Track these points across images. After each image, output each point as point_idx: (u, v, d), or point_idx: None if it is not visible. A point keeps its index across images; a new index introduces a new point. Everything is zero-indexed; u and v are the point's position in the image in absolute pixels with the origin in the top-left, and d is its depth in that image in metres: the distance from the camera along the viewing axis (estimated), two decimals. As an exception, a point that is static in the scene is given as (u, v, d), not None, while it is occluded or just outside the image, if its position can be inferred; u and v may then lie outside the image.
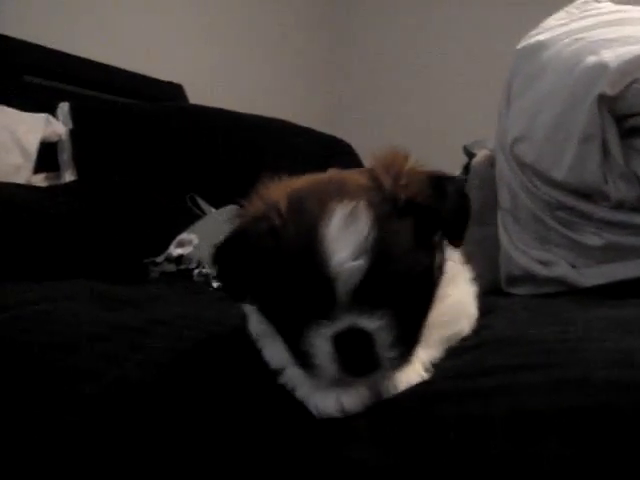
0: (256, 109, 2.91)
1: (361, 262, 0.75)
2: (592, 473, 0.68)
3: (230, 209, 2.38)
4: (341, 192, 0.80)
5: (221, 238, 0.88)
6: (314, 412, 0.81)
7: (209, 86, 3.16)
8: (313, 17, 4.03)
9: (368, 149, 2.66)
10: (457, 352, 0.92)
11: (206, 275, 2.01)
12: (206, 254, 2.10)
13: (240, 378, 0.92)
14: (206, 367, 0.97)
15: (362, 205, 0.78)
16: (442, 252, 0.87)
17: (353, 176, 0.86)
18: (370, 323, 0.76)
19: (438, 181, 0.84)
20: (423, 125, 3.46)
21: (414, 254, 0.79)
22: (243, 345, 0.97)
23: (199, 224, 2.24)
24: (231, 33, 3.54)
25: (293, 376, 0.86)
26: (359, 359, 0.77)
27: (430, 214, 0.81)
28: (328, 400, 0.81)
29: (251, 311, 0.97)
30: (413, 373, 0.84)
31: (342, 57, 4.00)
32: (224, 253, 0.86)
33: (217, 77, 3.33)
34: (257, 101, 3.21)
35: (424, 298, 0.84)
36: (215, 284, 1.93)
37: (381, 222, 0.77)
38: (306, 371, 0.80)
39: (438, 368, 0.86)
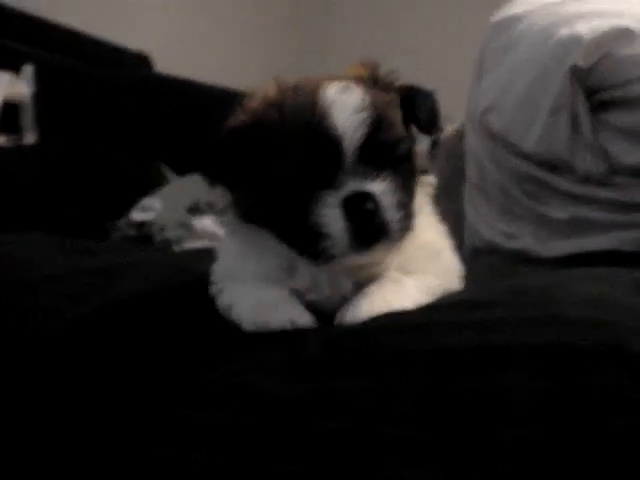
0: (224, 80, 2.87)
1: (360, 122, 0.80)
2: (561, 408, 0.68)
3: (194, 178, 2.36)
4: (329, 78, 0.86)
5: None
6: (252, 325, 0.84)
7: (177, 56, 3.12)
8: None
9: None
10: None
11: (167, 240, 1.99)
12: (169, 219, 2.08)
13: (196, 319, 0.91)
14: (165, 308, 0.96)
15: (352, 82, 0.84)
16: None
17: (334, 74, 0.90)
18: (375, 186, 0.80)
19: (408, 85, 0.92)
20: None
21: (401, 126, 0.87)
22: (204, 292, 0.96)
23: (163, 190, 2.22)
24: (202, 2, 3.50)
25: (238, 291, 0.88)
26: (368, 223, 0.80)
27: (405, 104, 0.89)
28: (279, 312, 0.83)
29: (225, 248, 0.96)
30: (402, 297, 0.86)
31: (316, 31, 3.98)
32: (219, 145, 0.88)
33: (185, 47, 3.29)
34: (225, 72, 3.17)
35: (412, 174, 0.88)
36: (177, 249, 1.91)
37: (372, 92, 0.84)
38: (311, 254, 0.82)
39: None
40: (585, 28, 1.44)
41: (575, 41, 1.43)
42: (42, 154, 2.29)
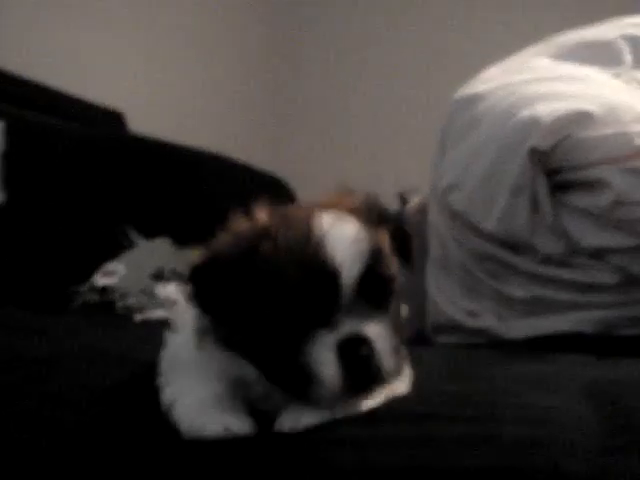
0: (197, 139, 2.87)
1: (360, 250, 0.76)
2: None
3: (160, 241, 2.33)
4: (321, 207, 0.81)
5: (194, 261, 0.84)
6: (188, 431, 0.79)
7: (151, 114, 3.12)
8: (259, 50, 4.01)
9: (304, 187, 2.66)
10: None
11: (129, 307, 1.96)
12: (132, 285, 2.05)
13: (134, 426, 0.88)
14: (102, 411, 0.93)
15: (345, 213, 0.80)
16: None
17: (321, 202, 0.87)
18: (372, 328, 0.75)
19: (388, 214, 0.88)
20: (359, 170, 3.47)
21: (395, 260, 0.82)
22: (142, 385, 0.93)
23: (127, 254, 2.19)
24: (175, 62, 3.50)
25: (181, 387, 0.84)
26: (363, 370, 0.74)
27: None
28: (215, 417, 0.79)
29: (178, 339, 0.91)
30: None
31: (286, 95, 3.99)
32: (205, 273, 0.82)
33: (159, 106, 3.28)
34: (198, 131, 3.17)
35: (399, 309, 0.84)
36: (138, 317, 1.88)
37: (366, 224, 0.80)
38: (299, 395, 0.77)
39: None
40: (545, 110, 1.44)
41: (534, 123, 1.43)
42: (7, 215, 2.26)
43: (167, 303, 1.94)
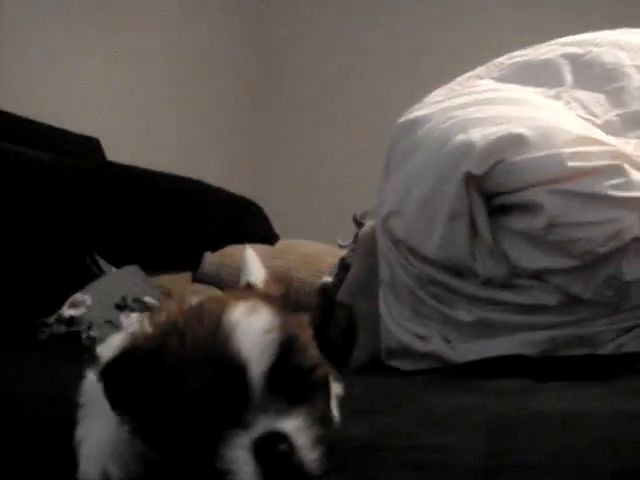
0: (173, 166, 2.89)
1: (268, 349, 0.72)
2: None
3: (129, 269, 2.35)
4: (237, 297, 0.79)
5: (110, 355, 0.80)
6: (80, 473, 0.79)
7: (126, 140, 3.14)
8: (237, 77, 4.04)
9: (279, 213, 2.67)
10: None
11: (93, 339, 1.97)
12: (97, 316, 2.06)
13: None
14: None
15: (260, 302, 0.77)
16: None
17: (247, 292, 0.87)
18: (289, 422, 0.71)
19: (328, 302, 0.85)
20: (324, 194, 3.53)
21: (315, 349, 0.78)
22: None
23: (94, 284, 2.21)
24: (153, 89, 3.54)
25: (87, 430, 0.83)
26: (282, 467, 0.70)
27: (318, 331, 0.80)
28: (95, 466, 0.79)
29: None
30: None
31: (257, 123, 4.03)
32: (114, 372, 0.79)
33: (135, 132, 3.31)
34: (174, 158, 3.20)
35: (327, 396, 0.81)
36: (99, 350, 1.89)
37: (282, 313, 0.77)
38: None
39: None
40: (478, 135, 1.45)
41: (468, 148, 1.44)
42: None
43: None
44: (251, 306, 0.76)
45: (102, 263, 2.38)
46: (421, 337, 1.60)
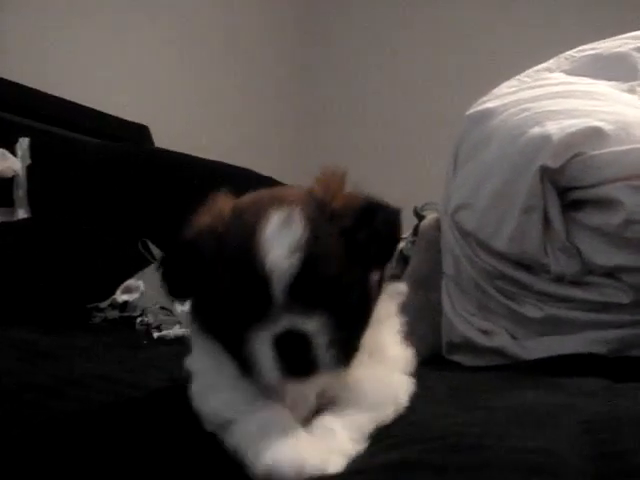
0: (222, 156, 2.88)
1: (293, 260, 0.77)
2: None
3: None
4: (279, 201, 0.83)
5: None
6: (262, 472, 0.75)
7: (176, 129, 3.14)
8: (283, 63, 4.03)
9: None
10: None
11: (148, 324, 1.97)
12: (151, 302, 2.06)
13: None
14: (104, 435, 0.93)
15: (296, 211, 0.81)
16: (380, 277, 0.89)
17: (292, 190, 0.91)
18: (307, 324, 0.78)
19: (368, 206, 0.88)
20: (373, 182, 3.47)
21: (345, 260, 0.82)
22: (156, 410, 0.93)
23: (147, 270, 2.20)
24: (203, 77, 3.53)
25: (245, 434, 0.81)
26: (298, 361, 0.78)
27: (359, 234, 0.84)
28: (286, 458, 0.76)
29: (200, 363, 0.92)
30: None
31: (310, 109, 4.00)
32: (170, 261, 0.89)
33: (184, 120, 3.30)
34: (222, 145, 3.18)
35: (359, 308, 0.85)
36: (156, 334, 1.89)
37: (314, 226, 0.81)
38: (249, 377, 0.81)
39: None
40: (555, 128, 1.42)
41: (545, 141, 1.42)
42: (30, 230, 2.28)
43: (184, 320, 1.95)
44: (287, 215, 0.81)
45: (154, 249, 2.37)
46: (485, 332, 1.58)
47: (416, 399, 1.02)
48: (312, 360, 0.78)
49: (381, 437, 0.87)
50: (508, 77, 1.72)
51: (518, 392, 1.14)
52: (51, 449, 0.89)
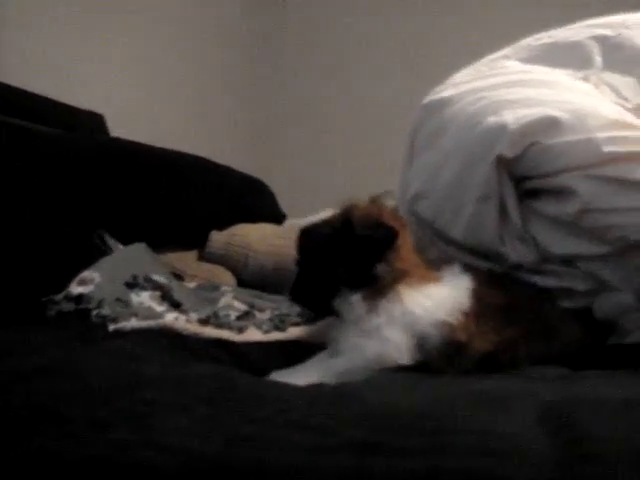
0: (178, 142, 2.85)
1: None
2: None
3: (138, 247, 2.31)
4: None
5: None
6: None
7: (131, 117, 3.09)
8: (241, 55, 3.99)
9: (284, 190, 2.63)
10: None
11: (104, 317, 1.94)
12: (107, 293, 2.02)
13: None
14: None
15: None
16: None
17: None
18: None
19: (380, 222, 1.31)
20: (341, 175, 3.48)
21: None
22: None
23: (103, 262, 2.16)
24: (157, 65, 3.48)
25: None
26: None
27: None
28: None
29: None
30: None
31: (263, 101, 3.97)
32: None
33: (140, 109, 3.26)
34: (179, 134, 3.14)
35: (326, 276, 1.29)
36: (112, 326, 1.86)
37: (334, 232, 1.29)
38: None
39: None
40: (511, 117, 1.42)
41: (501, 130, 1.41)
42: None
43: (141, 312, 1.92)
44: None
45: (110, 241, 2.34)
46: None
47: (380, 383, 1.03)
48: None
49: (344, 418, 0.87)
50: (461, 66, 1.72)
51: (476, 379, 1.15)
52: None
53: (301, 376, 1.19)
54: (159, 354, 1.39)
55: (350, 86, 3.75)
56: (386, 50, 3.67)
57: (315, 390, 1.08)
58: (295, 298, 1.36)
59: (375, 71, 3.68)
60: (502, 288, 1.35)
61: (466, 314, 1.24)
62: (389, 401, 0.97)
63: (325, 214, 1.30)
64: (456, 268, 1.34)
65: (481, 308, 1.26)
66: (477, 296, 1.27)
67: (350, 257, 1.26)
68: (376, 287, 1.25)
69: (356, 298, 1.26)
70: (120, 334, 1.74)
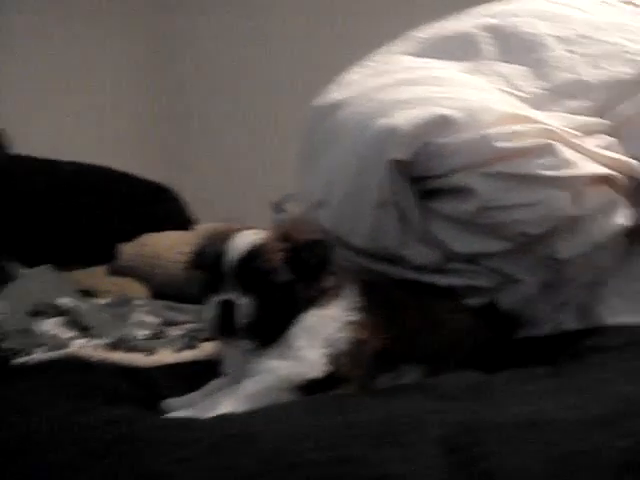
0: (88, 156, 2.76)
1: (242, 254, 1.21)
2: None
3: (41, 270, 2.23)
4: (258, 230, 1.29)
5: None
6: None
7: (33, 131, 2.97)
8: (144, 63, 3.89)
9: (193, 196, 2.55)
10: None
11: (11, 349, 1.85)
12: (12, 324, 1.94)
13: None
14: None
15: (264, 233, 1.26)
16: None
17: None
18: (239, 299, 1.21)
19: (313, 239, 1.28)
20: (238, 178, 3.46)
21: (278, 262, 1.23)
22: None
23: (7, 290, 2.08)
24: (60, 77, 3.36)
25: None
26: (227, 319, 1.21)
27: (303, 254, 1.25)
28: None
29: None
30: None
31: (170, 107, 3.89)
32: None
33: (44, 122, 3.14)
34: (83, 147, 3.04)
35: (284, 299, 1.24)
36: (16, 360, 1.78)
37: (267, 240, 1.24)
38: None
39: None
40: (401, 118, 1.38)
41: (391, 133, 1.37)
42: None
43: (49, 341, 1.84)
44: (253, 233, 1.26)
45: (13, 265, 2.25)
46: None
47: (269, 415, 1.00)
48: (237, 320, 1.20)
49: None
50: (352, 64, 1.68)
51: (383, 401, 1.12)
52: None
53: (208, 408, 1.19)
54: (57, 396, 1.32)
55: (240, 100, 3.70)
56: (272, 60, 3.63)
57: (218, 429, 1.04)
58: (251, 332, 1.23)
59: (265, 85, 3.63)
60: (389, 291, 1.39)
61: (362, 314, 1.27)
62: (287, 446, 0.93)
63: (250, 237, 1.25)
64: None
65: (371, 311, 1.28)
66: (367, 300, 1.29)
67: (303, 278, 1.26)
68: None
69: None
70: (21, 371, 1.67)
